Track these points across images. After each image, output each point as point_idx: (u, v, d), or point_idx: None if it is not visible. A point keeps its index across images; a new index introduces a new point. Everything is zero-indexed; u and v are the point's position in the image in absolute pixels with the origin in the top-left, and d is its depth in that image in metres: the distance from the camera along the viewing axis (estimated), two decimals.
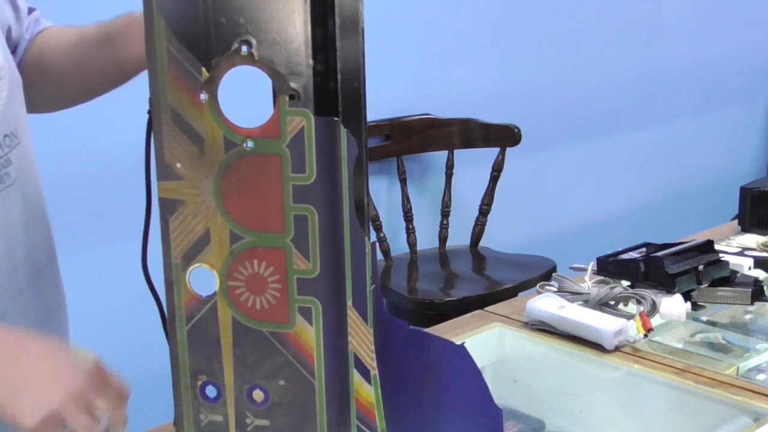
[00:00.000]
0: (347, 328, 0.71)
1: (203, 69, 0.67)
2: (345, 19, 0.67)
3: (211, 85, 0.68)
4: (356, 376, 0.72)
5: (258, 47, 0.66)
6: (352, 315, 0.71)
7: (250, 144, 0.68)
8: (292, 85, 0.66)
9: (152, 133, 0.70)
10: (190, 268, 0.71)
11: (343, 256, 0.69)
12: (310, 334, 0.70)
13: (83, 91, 1.00)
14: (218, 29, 0.67)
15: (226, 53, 0.67)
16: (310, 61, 0.65)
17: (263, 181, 0.68)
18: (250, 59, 0.66)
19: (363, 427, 0.73)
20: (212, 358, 0.72)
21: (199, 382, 0.73)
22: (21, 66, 0.97)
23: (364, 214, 0.71)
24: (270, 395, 0.72)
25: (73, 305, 1.02)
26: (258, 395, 0.72)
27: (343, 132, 0.67)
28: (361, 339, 0.72)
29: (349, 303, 0.70)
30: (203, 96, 0.68)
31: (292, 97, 0.66)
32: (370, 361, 0.72)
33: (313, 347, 0.70)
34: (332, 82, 0.66)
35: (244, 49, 0.66)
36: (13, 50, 0.97)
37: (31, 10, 1.00)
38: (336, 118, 0.67)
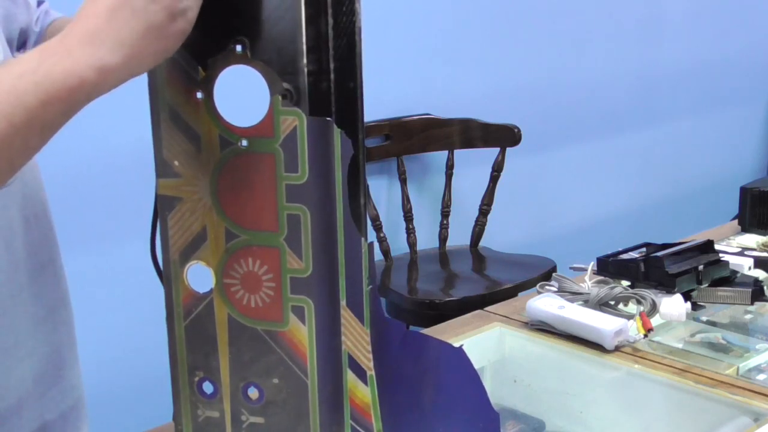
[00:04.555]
0: (340, 328, 0.71)
1: (199, 68, 0.68)
2: (339, 19, 0.67)
3: (208, 84, 0.68)
4: (351, 377, 0.72)
5: (252, 46, 0.66)
6: (346, 315, 0.71)
7: (244, 143, 0.68)
8: (285, 84, 0.66)
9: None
10: (188, 265, 0.72)
11: (337, 256, 0.69)
12: (303, 334, 0.70)
13: None
14: (214, 29, 0.67)
15: (222, 52, 0.67)
16: (304, 61, 0.66)
17: (257, 179, 0.68)
18: (244, 58, 0.67)
19: (358, 428, 0.73)
20: (209, 354, 0.73)
21: (197, 378, 0.73)
22: None
23: (361, 214, 0.71)
24: (264, 393, 0.72)
25: (72, 306, 1.02)
26: (253, 393, 0.72)
27: (337, 132, 0.67)
28: (357, 339, 0.71)
29: (343, 303, 0.70)
30: (200, 95, 0.68)
31: (285, 96, 0.66)
32: (366, 362, 0.72)
33: (306, 346, 0.70)
34: (325, 82, 0.66)
35: (239, 48, 0.67)
36: (23, 44, 0.97)
37: (39, 3, 1.00)
38: (329, 119, 0.67)
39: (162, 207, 0.71)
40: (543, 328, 1.17)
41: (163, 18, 0.63)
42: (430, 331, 1.15)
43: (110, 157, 1.87)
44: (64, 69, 0.62)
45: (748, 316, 1.27)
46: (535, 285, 1.29)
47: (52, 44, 0.64)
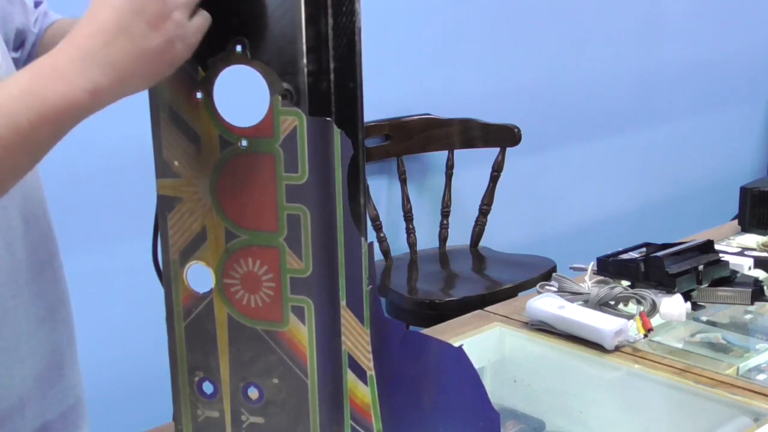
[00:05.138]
0: (340, 328, 0.71)
1: (199, 68, 0.68)
2: (339, 19, 0.67)
3: (208, 84, 0.68)
4: (351, 377, 0.72)
5: (252, 47, 0.66)
6: (346, 315, 0.71)
7: (244, 143, 0.68)
8: (285, 85, 0.66)
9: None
10: (188, 265, 0.72)
11: (337, 256, 0.69)
12: (303, 334, 0.70)
13: None
14: (214, 28, 0.67)
15: (222, 52, 0.67)
16: (304, 61, 0.66)
17: (257, 180, 0.68)
18: (244, 59, 0.67)
19: (358, 428, 0.73)
20: (209, 354, 0.73)
21: (197, 378, 0.73)
22: (32, 60, 0.96)
23: (361, 214, 0.71)
24: (264, 393, 0.72)
25: (72, 306, 1.02)
26: (253, 393, 0.72)
27: (337, 132, 0.67)
28: (357, 339, 0.71)
29: (343, 303, 0.70)
30: (199, 95, 0.68)
31: (285, 96, 0.66)
32: (366, 362, 0.72)
33: (306, 346, 0.70)
34: (325, 83, 0.66)
35: (239, 48, 0.67)
36: (21, 45, 0.97)
37: (37, 4, 1.00)
38: (328, 119, 0.67)
39: (162, 207, 0.71)
40: (543, 328, 1.17)
41: (161, 45, 0.64)
42: (430, 331, 1.15)
43: (110, 157, 1.87)
44: (58, 92, 0.63)
45: (748, 316, 1.27)
46: (535, 285, 1.29)
47: (44, 64, 0.64)
